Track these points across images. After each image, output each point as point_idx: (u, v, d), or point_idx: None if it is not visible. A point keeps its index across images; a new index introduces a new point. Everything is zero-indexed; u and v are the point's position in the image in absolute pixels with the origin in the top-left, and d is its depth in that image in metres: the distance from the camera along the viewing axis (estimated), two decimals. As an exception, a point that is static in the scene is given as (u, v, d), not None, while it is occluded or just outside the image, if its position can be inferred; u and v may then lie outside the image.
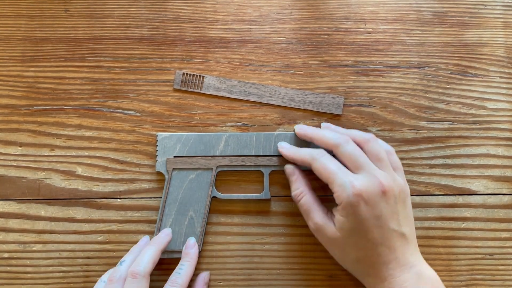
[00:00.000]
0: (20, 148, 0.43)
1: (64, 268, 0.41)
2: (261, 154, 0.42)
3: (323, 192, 0.42)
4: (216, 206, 0.42)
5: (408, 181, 0.41)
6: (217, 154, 0.42)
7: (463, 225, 0.42)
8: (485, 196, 0.43)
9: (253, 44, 0.45)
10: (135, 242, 0.41)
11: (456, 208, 0.43)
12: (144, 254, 0.38)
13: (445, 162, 0.43)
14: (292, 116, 0.44)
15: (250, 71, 0.44)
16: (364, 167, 0.37)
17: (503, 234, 0.42)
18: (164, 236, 0.40)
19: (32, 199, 0.42)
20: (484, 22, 0.45)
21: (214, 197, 0.42)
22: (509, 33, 0.45)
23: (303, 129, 0.41)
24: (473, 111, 0.44)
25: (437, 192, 0.43)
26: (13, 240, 0.42)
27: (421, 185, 0.43)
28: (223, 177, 0.43)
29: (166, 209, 0.41)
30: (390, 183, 0.37)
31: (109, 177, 0.43)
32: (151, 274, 0.37)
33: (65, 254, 0.42)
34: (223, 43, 0.45)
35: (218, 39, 0.45)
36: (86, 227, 0.42)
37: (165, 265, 0.41)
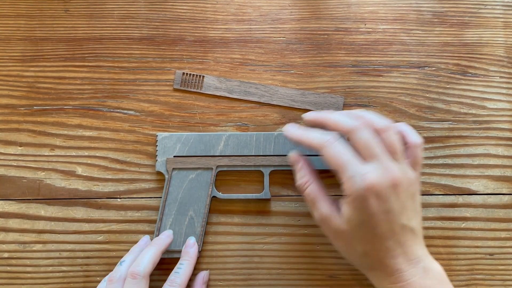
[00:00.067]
0: (20, 148, 0.43)
1: (64, 268, 0.41)
2: (261, 154, 0.42)
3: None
4: (216, 206, 0.42)
5: (408, 181, 0.41)
6: (217, 154, 0.42)
7: (463, 225, 0.42)
8: (485, 196, 0.43)
9: (253, 44, 0.45)
10: (135, 242, 0.41)
11: (456, 208, 0.43)
12: (145, 254, 0.38)
13: (445, 162, 0.43)
14: (292, 116, 0.44)
15: (250, 71, 0.44)
16: (378, 157, 0.35)
17: (503, 234, 0.42)
18: (165, 238, 0.40)
19: (32, 199, 0.42)
20: (484, 22, 0.45)
21: (214, 197, 0.42)
22: (509, 33, 0.45)
23: (312, 115, 0.38)
24: (473, 111, 0.44)
25: (437, 192, 0.43)
26: (13, 240, 0.42)
27: (421, 184, 0.43)
28: (223, 177, 0.43)
29: (166, 209, 0.41)
30: (402, 176, 0.35)
31: (109, 177, 0.43)
32: (151, 274, 0.37)
33: (65, 254, 0.42)
34: (223, 43, 0.45)
35: (218, 39, 0.45)
36: (86, 227, 0.42)
37: (165, 265, 0.41)
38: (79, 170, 0.43)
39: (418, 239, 0.36)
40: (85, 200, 0.42)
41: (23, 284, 0.41)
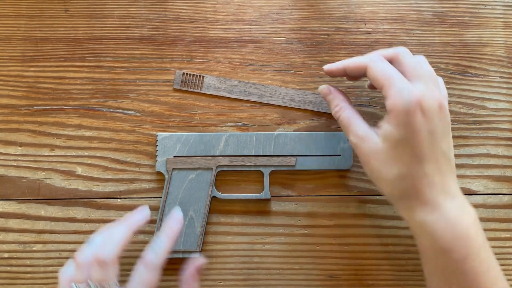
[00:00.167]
0: (20, 148, 0.43)
1: (64, 268, 0.41)
2: (261, 154, 0.42)
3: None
4: (216, 206, 0.42)
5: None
6: (217, 154, 0.42)
7: (463, 225, 0.42)
8: (485, 196, 0.43)
9: (253, 44, 0.45)
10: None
11: (456, 208, 0.42)
12: (112, 235, 0.35)
13: (445, 162, 0.43)
14: (292, 116, 0.44)
15: (250, 71, 0.44)
16: (424, 79, 0.34)
17: (503, 234, 0.42)
18: (138, 216, 0.37)
19: (32, 199, 0.42)
20: (484, 22, 0.45)
21: (214, 197, 0.42)
22: (509, 33, 0.45)
23: (331, 66, 0.39)
24: (473, 111, 0.44)
25: (437, 192, 0.43)
26: (13, 240, 0.42)
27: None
28: (223, 177, 0.43)
29: (166, 209, 0.41)
30: (446, 102, 0.34)
31: (109, 177, 0.43)
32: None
33: (65, 254, 0.42)
34: (223, 43, 0.45)
35: (218, 39, 0.45)
36: (86, 227, 0.42)
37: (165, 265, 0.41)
38: (79, 170, 0.43)
39: (454, 175, 0.35)
40: (85, 200, 0.42)
41: (23, 284, 0.41)
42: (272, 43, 0.45)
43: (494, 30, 0.45)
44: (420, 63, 0.35)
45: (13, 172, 0.43)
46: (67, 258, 0.41)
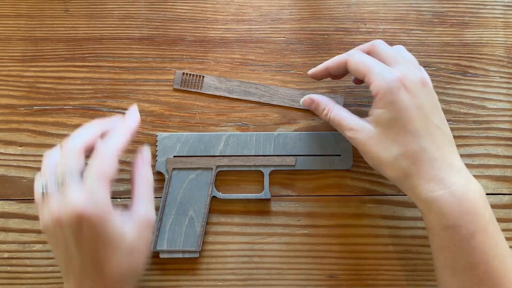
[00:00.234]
0: (20, 148, 0.43)
1: (64, 268, 0.41)
2: (261, 154, 0.42)
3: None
4: (216, 206, 0.42)
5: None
6: (217, 154, 0.42)
7: (463, 225, 0.42)
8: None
9: (253, 44, 0.45)
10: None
11: (456, 208, 0.42)
12: (111, 146, 0.33)
13: (445, 162, 0.43)
14: (292, 116, 0.44)
15: (250, 71, 0.44)
16: (401, 63, 0.35)
17: (503, 234, 0.42)
18: (132, 120, 0.35)
19: (32, 199, 0.42)
20: (484, 22, 0.45)
21: (214, 197, 0.42)
22: (509, 33, 0.45)
23: (314, 70, 0.40)
24: (473, 111, 0.44)
25: (437, 192, 0.43)
26: (13, 240, 0.42)
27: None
28: (223, 177, 0.43)
29: (166, 209, 0.41)
30: (429, 80, 0.35)
31: (109, 177, 0.43)
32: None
33: (65, 254, 0.42)
34: (223, 43, 0.45)
35: (218, 39, 0.45)
36: (86, 227, 0.42)
37: (165, 265, 0.41)
38: (79, 170, 0.43)
39: (455, 148, 0.35)
40: (85, 200, 0.42)
41: (23, 284, 0.41)
42: (272, 43, 0.45)
43: (494, 30, 0.45)
44: (398, 51, 0.37)
45: (13, 172, 0.43)
46: (67, 258, 0.41)
